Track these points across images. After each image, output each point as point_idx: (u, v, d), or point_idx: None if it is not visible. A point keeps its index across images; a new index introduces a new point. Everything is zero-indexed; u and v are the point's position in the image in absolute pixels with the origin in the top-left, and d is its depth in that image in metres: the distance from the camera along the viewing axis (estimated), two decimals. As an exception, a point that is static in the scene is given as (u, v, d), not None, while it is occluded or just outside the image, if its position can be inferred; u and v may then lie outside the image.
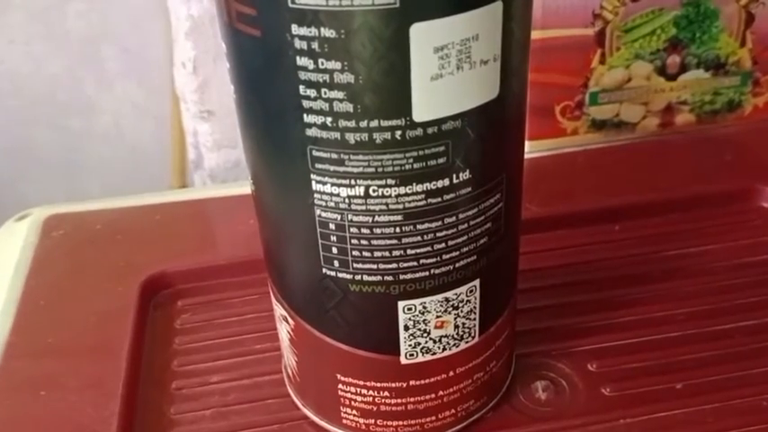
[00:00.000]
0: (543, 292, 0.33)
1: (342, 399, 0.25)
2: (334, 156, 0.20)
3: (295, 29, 0.18)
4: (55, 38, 0.58)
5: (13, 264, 0.34)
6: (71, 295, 0.33)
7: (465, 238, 0.22)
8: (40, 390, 0.28)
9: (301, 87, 0.19)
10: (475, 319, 0.24)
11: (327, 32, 0.18)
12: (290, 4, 0.18)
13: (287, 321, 0.25)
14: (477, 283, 0.23)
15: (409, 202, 0.21)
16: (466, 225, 0.22)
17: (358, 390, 0.25)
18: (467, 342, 0.24)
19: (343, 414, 0.26)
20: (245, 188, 0.23)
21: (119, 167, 0.66)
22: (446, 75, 0.19)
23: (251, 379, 0.29)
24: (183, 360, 0.30)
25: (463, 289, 0.23)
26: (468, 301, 0.23)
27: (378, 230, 0.21)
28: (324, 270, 0.22)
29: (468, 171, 0.21)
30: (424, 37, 0.18)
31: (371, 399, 0.25)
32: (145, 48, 0.58)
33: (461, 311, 0.23)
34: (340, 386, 0.25)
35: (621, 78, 0.40)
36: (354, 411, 0.26)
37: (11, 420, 0.27)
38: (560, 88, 0.39)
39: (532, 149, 0.41)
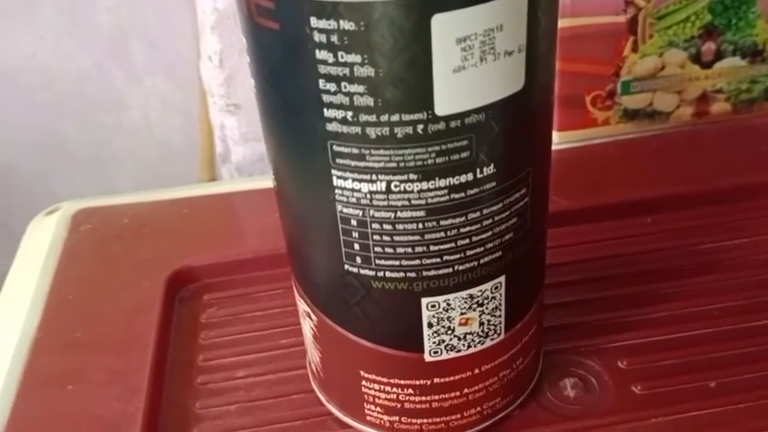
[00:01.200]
0: (572, 287, 0.32)
1: (365, 395, 0.25)
2: (355, 151, 0.20)
3: (314, 21, 0.18)
4: (84, 33, 0.59)
5: (42, 258, 0.35)
6: (98, 290, 0.33)
7: (489, 233, 0.21)
8: (67, 384, 0.28)
9: (321, 81, 0.19)
10: (500, 316, 0.24)
11: (347, 25, 0.17)
12: (309, -4, 0.17)
13: (310, 317, 0.25)
14: (502, 279, 0.23)
15: (432, 197, 0.20)
16: (491, 221, 0.21)
17: (381, 387, 0.25)
18: (492, 339, 0.24)
19: (367, 411, 0.26)
20: (271, 181, 0.23)
21: (147, 161, 0.66)
22: (469, 66, 0.18)
23: (276, 374, 0.29)
24: (208, 355, 0.30)
25: (488, 286, 0.23)
26: (493, 297, 0.23)
27: (400, 226, 0.21)
28: (346, 266, 0.22)
29: (492, 165, 0.20)
30: (446, 28, 0.18)
31: (395, 396, 0.25)
32: (173, 42, 0.58)
33: (486, 308, 0.23)
34: (363, 383, 0.25)
35: (654, 67, 0.39)
36: (378, 408, 0.25)
37: (39, 415, 0.27)
38: (591, 77, 0.38)
39: (562, 140, 0.40)
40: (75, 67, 0.62)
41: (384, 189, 0.20)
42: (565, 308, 0.31)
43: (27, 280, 0.33)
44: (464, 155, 0.20)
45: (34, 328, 0.31)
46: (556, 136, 0.40)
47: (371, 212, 0.21)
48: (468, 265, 0.22)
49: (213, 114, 0.49)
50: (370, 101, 0.19)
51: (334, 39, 0.18)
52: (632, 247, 0.34)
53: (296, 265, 0.24)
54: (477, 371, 0.24)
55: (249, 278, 0.33)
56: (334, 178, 0.20)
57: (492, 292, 0.23)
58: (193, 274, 0.34)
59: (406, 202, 0.20)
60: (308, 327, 0.26)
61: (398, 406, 0.25)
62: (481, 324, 0.23)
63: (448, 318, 0.23)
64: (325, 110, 0.19)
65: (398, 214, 0.20)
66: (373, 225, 0.21)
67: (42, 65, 0.62)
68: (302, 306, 0.25)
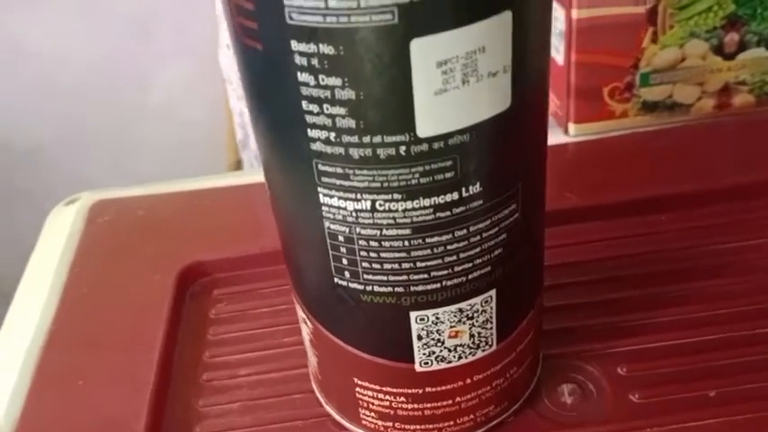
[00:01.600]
0: (578, 288, 0.32)
1: (360, 401, 0.25)
2: (340, 170, 0.20)
3: (294, 45, 0.18)
4: (108, 15, 0.59)
5: (60, 250, 0.35)
6: (112, 284, 0.33)
7: (478, 249, 0.21)
8: (77, 380, 0.29)
9: (304, 102, 0.19)
10: (492, 329, 0.24)
11: (326, 49, 0.17)
12: (289, 21, 0.17)
13: (306, 324, 0.25)
14: (492, 293, 0.23)
15: (417, 216, 0.20)
16: (478, 237, 0.21)
17: (375, 394, 0.25)
18: (484, 351, 0.24)
19: (362, 415, 0.26)
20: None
21: (171, 142, 0.67)
22: (451, 89, 0.18)
23: (279, 373, 0.30)
24: (214, 351, 0.31)
25: (477, 300, 0.23)
26: (483, 311, 0.23)
27: (386, 243, 0.21)
28: (335, 279, 0.22)
29: (478, 184, 0.20)
30: (426, 52, 0.17)
31: (388, 403, 0.25)
32: (197, 25, 0.58)
33: (476, 321, 0.23)
34: (357, 389, 0.25)
35: (675, 58, 0.37)
36: (372, 414, 0.26)
37: (48, 411, 0.28)
38: (609, 69, 0.38)
39: (578, 133, 0.39)
40: (99, 49, 0.63)
41: (369, 208, 0.20)
42: (568, 310, 0.31)
43: (44, 272, 0.34)
44: (448, 175, 0.19)
45: (49, 323, 0.31)
46: (571, 128, 0.39)
47: (358, 230, 0.21)
48: (456, 281, 0.22)
49: (232, 102, 0.50)
50: (351, 123, 0.18)
51: (315, 62, 0.18)
52: (643, 246, 0.33)
53: (291, 273, 0.25)
54: (468, 381, 0.24)
55: (258, 273, 0.34)
56: (321, 196, 0.20)
57: (482, 306, 0.23)
58: (204, 268, 0.34)
59: (392, 221, 0.20)
60: (305, 332, 0.26)
61: (391, 412, 0.25)
62: (472, 336, 0.23)
63: (437, 331, 0.23)
64: (309, 130, 0.19)
65: (384, 232, 0.20)
66: (360, 242, 0.21)
67: (67, 47, 0.63)
68: (299, 312, 0.26)
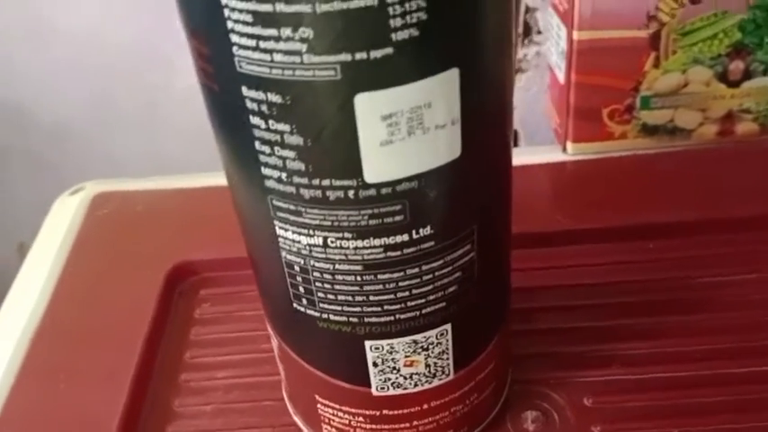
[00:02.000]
0: (554, 314, 0.32)
1: (321, 416, 0.26)
2: (292, 207, 0.20)
3: (245, 91, 0.18)
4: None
5: (60, 240, 0.37)
6: (105, 279, 0.35)
7: (431, 287, 0.22)
8: (60, 375, 0.30)
9: (257, 143, 0.19)
10: (448, 359, 0.24)
11: (274, 97, 0.18)
12: (239, 69, 0.18)
13: (273, 338, 0.26)
14: (447, 327, 0.23)
15: (368, 254, 0.21)
16: (431, 276, 0.22)
17: (335, 411, 0.26)
18: (440, 379, 0.24)
19: (324, 429, 0.27)
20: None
21: (195, 126, 0.68)
22: (396, 141, 0.18)
23: (254, 378, 0.31)
24: (195, 352, 0.32)
25: (432, 333, 0.23)
26: (438, 343, 0.23)
27: (339, 277, 0.21)
28: (294, 305, 0.23)
29: (428, 227, 0.20)
30: (370, 106, 0.18)
31: (348, 421, 0.26)
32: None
33: (432, 352, 0.24)
34: (319, 405, 0.26)
35: (677, 83, 0.37)
36: (334, 429, 0.26)
37: (29, 406, 0.29)
38: (609, 91, 0.37)
39: (576, 152, 0.39)
40: (129, 31, 0.64)
41: (321, 243, 0.21)
42: (541, 335, 0.31)
43: (42, 264, 0.35)
44: (398, 218, 0.20)
45: (40, 316, 0.33)
46: (569, 147, 0.39)
47: (312, 262, 0.21)
48: (409, 314, 0.22)
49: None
50: (301, 165, 0.19)
51: (264, 108, 0.18)
52: (625, 274, 0.33)
53: (259, 291, 0.26)
54: (426, 406, 0.25)
55: (246, 276, 0.34)
56: (277, 228, 0.21)
57: (437, 339, 0.23)
58: (194, 267, 0.35)
59: (343, 257, 0.21)
60: (274, 345, 0.27)
61: (351, 430, 0.26)
62: (428, 366, 0.24)
63: (392, 359, 0.23)
64: (262, 168, 0.20)
65: (337, 266, 0.21)
66: (314, 273, 0.22)
67: (96, 26, 0.64)
68: (268, 326, 0.27)
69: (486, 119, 0.20)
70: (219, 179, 0.40)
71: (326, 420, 0.26)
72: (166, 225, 0.37)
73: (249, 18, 0.17)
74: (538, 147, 0.40)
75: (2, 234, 0.77)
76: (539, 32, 0.44)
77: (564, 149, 0.40)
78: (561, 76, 0.38)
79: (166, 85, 0.67)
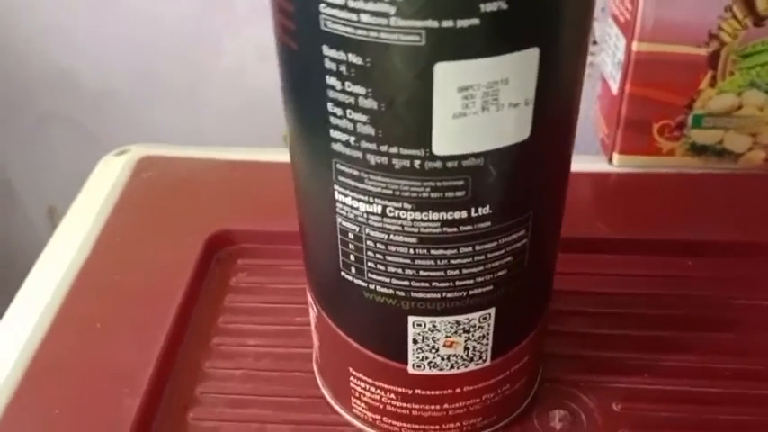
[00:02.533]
0: (591, 319, 0.32)
1: (353, 390, 0.26)
2: (356, 173, 0.20)
3: (326, 50, 0.19)
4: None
5: (103, 198, 0.37)
6: (144, 239, 0.35)
7: (481, 268, 0.22)
8: (96, 324, 0.31)
9: (329, 105, 0.19)
10: (487, 344, 0.24)
11: (354, 59, 0.18)
12: (323, 27, 0.18)
13: (312, 308, 0.26)
14: (491, 311, 0.23)
15: (424, 227, 0.21)
16: (483, 257, 0.22)
17: (367, 386, 0.26)
18: (477, 364, 0.25)
19: (353, 403, 0.27)
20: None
21: (235, 108, 0.69)
22: (470, 114, 0.19)
23: (285, 349, 0.31)
24: (228, 318, 0.32)
25: (476, 315, 0.23)
26: (480, 326, 0.24)
27: (392, 248, 0.22)
28: (342, 273, 0.23)
29: (488, 207, 0.21)
30: (448, 77, 0.18)
31: (379, 397, 0.26)
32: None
33: (472, 335, 0.24)
34: (351, 379, 0.26)
35: (731, 105, 0.37)
36: (363, 404, 0.27)
37: (64, 351, 0.30)
38: (662, 105, 0.37)
39: (622, 164, 0.39)
40: (181, 8, 0.65)
41: (380, 212, 0.21)
42: (577, 338, 0.31)
43: (84, 217, 0.36)
44: (459, 194, 0.20)
45: (78, 267, 0.33)
46: (616, 158, 0.39)
47: (367, 231, 0.21)
48: (456, 294, 0.22)
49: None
50: (371, 130, 0.19)
51: (343, 69, 0.19)
52: (663, 288, 0.33)
53: (305, 258, 0.26)
54: (458, 390, 0.25)
55: (283, 250, 0.35)
56: (336, 193, 0.21)
57: (480, 322, 0.23)
58: (233, 237, 0.36)
59: (400, 228, 0.21)
60: (311, 315, 0.27)
61: (381, 406, 0.26)
62: (466, 349, 0.24)
63: (433, 338, 0.24)
64: (331, 130, 0.20)
65: (391, 237, 0.21)
66: (368, 242, 0.22)
67: (152, 3, 0.65)
68: (308, 296, 0.27)
69: (557, 103, 0.20)
70: (265, 155, 0.41)
71: (357, 395, 0.26)
72: (209, 193, 0.38)
73: (343, -25, 0.17)
74: (583, 155, 0.40)
75: (34, 197, 0.78)
76: (594, 43, 0.44)
77: (610, 160, 0.40)
78: (615, 87, 0.38)
79: (212, 65, 0.68)
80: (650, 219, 0.36)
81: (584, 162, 0.40)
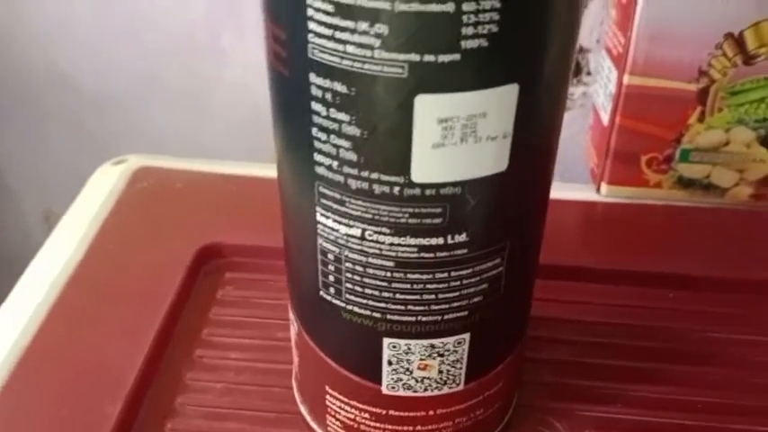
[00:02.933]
0: (570, 347, 0.32)
1: (328, 408, 0.27)
2: (337, 196, 0.21)
3: (313, 77, 0.19)
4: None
5: (99, 205, 0.38)
6: (136, 247, 0.36)
7: (457, 294, 0.22)
8: (83, 326, 0.31)
9: (314, 129, 0.20)
10: (461, 369, 0.25)
11: (339, 87, 0.19)
12: (311, 56, 0.19)
13: (293, 324, 0.27)
14: (466, 336, 0.24)
15: (402, 252, 0.21)
16: (458, 283, 0.22)
17: (342, 405, 0.26)
18: (450, 388, 0.25)
19: (329, 421, 0.27)
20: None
21: (238, 120, 0.70)
22: (449, 145, 0.19)
23: (265, 364, 0.31)
24: (212, 331, 0.33)
25: (450, 339, 0.24)
26: (455, 351, 0.24)
27: (370, 271, 0.22)
28: (321, 292, 0.24)
29: (464, 234, 0.21)
30: (428, 108, 0.18)
31: (353, 416, 0.26)
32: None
33: (447, 359, 0.24)
34: (327, 397, 0.26)
35: (719, 141, 0.38)
36: (338, 423, 0.27)
37: (52, 348, 0.30)
38: (650, 138, 0.38)
39: (609, 194, 0.40)
40: (186, 15, 0.65)
41: (359, 235, 0.21)
42: (550, 365, 0.31)
43: (77, 225, 0.37)
44: (437, 221, 0.21)
45: (73, 268, 0.34)
46: (604, 188, 0.40)
47: (346, 252, 0.22)
48: (431, 318, 0.23)
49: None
50: (353, 156, 0.20)
51: (328, 96, 0.19)
52: (643, 319, 0.34)
53: (287, 275, 0.26)
54: (431, 412, 0.26)
55: (271, 265, 0.35)
56: (318, 215, 0.22)
57: (454, 347, 0.24)
58: (222, 250, 0.36)
59: (378, 251, 0.21)
60: (293, 331, 0.28)
61: (355, 425, 0.26)
62: (440, 372, 0.24)
63: (407, 360, 0.24)
64: (315, 154, 0.21)
65: (370, 260, 0.22)
66: (347, 264, 0.22)
67: (157, 7, 0.66)
68: (290, 312, 0.27)
69: (536, 137, 0.21)
70: (260, 170, 0.41)
71: (332, 413, 0.27)
72: (202, 206, 0.38)
73: (330, 8, 0.18)
74: (573, 184, 0.41)
75: (30, 199, 0.79)
76: (588, 74, 0.45)
77: (598, 190, 0.40)
78: (606, 118, 0.39)
79: (216, 76, 0.69)
80: (635, 250, 0.37)
81: (572, 190, 0.41)
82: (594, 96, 0.41)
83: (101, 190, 0.39)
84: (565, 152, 0.48)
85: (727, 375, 0.31)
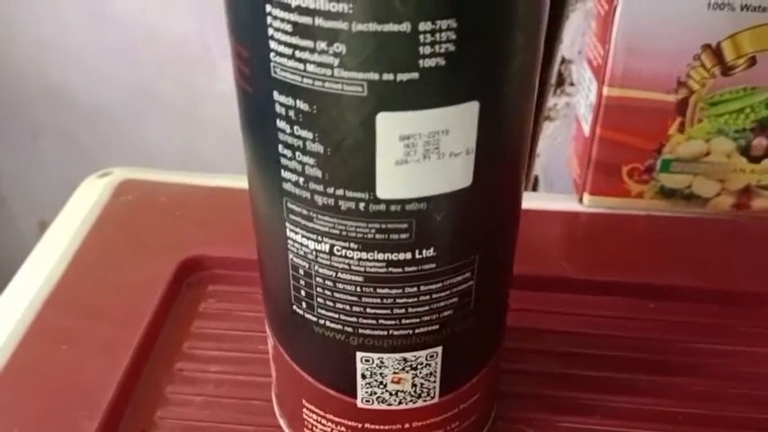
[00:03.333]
0: (549, 358, 0.32)
1: (306, 421, 0.27)
2: (305, 212, 0.21)
3: (276, 95, 0.19)
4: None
5: (82, 218, 0.38)
6: (118, 260, 0.36)
7: (427, 308, 0.23)
8: (62, 344, 0.31)
9: (280, 146, 0.20)
10: (435, 382, 0.25)
11: (302, 105, 0.19)
12: (273, 74, 0.19)
13: (270, 338, 0.27)
14: (438, 350, 0.24)
15: (370, 267, 0.21)
16: (428, 297, 0.22)
17: (319, 418, 0.26)
18: (425, 401, 0.25)
19: (306, 435, 0.27)
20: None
21: (229, 131, 0.70)
22: (412, 161, 0.19)
23: (245, 377, 0.31)
24: (194, 344, 0.33)
25: (423, 353, 0.24)
26: (427, 364, 0.24)
27: (340, 285, 0.22)
28: (294, 307, 0.24)
29: (432, 249, 0.21)
30: (390, 126, 0.19)
31: (330, 429, 0.26)
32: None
33: (420, 372, 0.24)
34: (305, 410, 0.27)
35: (699, 151, 0.38)
36: (315, 436, 0.27)
37: (29, 367, 0.30)
38: (631, 149, 0.38)
39: (592, 205, 0.40)
40: (178, 28, 0.66)
41: (328, 250, 0.22)
42: (529, 376, 0.31)
43: (61, 238, 0.37)
44: (403, 236, 0.21)
45: (54, 284, 0.34)
46: (586, 199, 0.40)
47: (316, 267, 0.22)
48: (402, 332, 0.23)
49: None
50: (318, 173, 0.20)
51: (291, 114, 0.19)
52: (621, 330, 0.34)
53: (262, 290, 0.26)
54: (407, 425, 0.26)
55: (253, 277, 0.35)
56: (288, 231, 0.22)
57: (427, 360, 0.24)
58: (205, 262, 0.36)
59: (347, 266, 0.22)
60: (269, 345, 0.28)
61: (332, 439, 0.27)
62: (414, 386, 0.25)
63: (381, 374, 0.24)
64: (282, 171, 0.21)
65: (339, 275, 0.22)
66: (317, 279, 0.22)
67: (150, 21, 0.66)
68: (266, 326, 0.27)
69: (500, 153, 0.21)
70: (244, 182, 0.41)
71: (309, 426, 0.27)
72: (186, 218, 0.39)
73: (289, 28, 0.18)
74: (555, 194, 0.41)
75: (25, 210, 0.79)
76: (571, 84, 0.45)
77: (580, 200, 0.40)
78: (587, 129, 0.39)
79: (207, 88, 0.69)
80: (616, 260, 0.37)
81: (555, 201, 0.41)
82: (576, 107, 0.42)
83: (85, 202, 0.39)
84: (550, 163, 0.49)
85: (709, 386, 0.31)
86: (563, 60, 0.44)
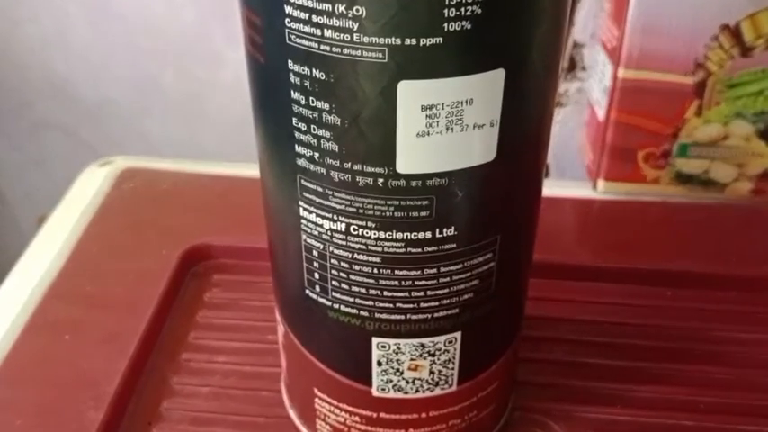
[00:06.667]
0: (566, 346, 0.31)
1: (317, 411, 0.26)
2: (320, 189, 0.20)
3: (291, 64, 0.18)
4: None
5: (83, 208, 0.37)
6: (121, 249, 0.35)
7: (446, 290, 0.22)
8: (65, 333, 0.30)
9: (294, 119, 0.19)
10: (453, 369, 0.24)
11: (318, 74, 0.18)
12: (288, 41, 0.18)
13: (280, 326, 0.26)
14: (457, 335, 0.23)
15: (388, 247, 0.21)
16: (448, 279, 0.21)
17: (331, 408, 0.25)
18: (442, 389, 0.24)
19: (318, 425, 0.26)
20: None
21: (232, 121, 0.69)
22: (434, 133, 0.18)
23: (253, 367, 0.30)
24: (199, 334, 0.32)
25: (441, 338, 0.23)
26: (446, 350, 0.23)
27: (356, 267, 0.21)
28: (307, 291, 0.23)
29: (453, 228, 0.20)
30: (412, 95, 0.18)
31: (343, 420, 0.25)
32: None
33: (438, 359, 0.23)
34: (317, 399, 0.26)
35: (717, 135, 0.37)
36: (328, 426, 0.26)
37: (32, 357, 0.29)
38: (647, 133, 0.37)
39: (606, 191, 0.39)
40: (180, 19, 0.65)
41: (343, 230, 0.21)
42: (547, 365, 0.30)
43: (63, 227, 0.36)
44: (423, 214, 0.20)
45: (55, 274, 0.33)
46: (601, 185, 0.39)
47: (331, 248, 0.21)
48: (421, 316, 0.22)
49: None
50: (335, 147, 0.19)
51: (307, 84, 0.18)
52: (639, 317, 0.33)
53: (273, 275, 0.25)
54: (423, 414, 0.25)
55: (260, 267, 0.35)
56: (301, 209, 0.21)
57: (445, 346, 0.23)
58: (209, 251, 0.35)
59: (363, 247, 0.21)
60: (279, 333, 0.27)
61: (345, 429, 0.26)
62: (432, 373, 0.24)
63: (397, 360, 0.23)
64: (296, 146, 0.20)
65: (355, 256, 0.21)
66: (332, 260, 0.21)
67: (151, 12, 0.65)
68: (276, 313, 0.26)
69: (525, 126, 0.20)
70: (247, 170, 0.40)
71: (322, 416, 0.26)
72: (189, 207, 0.38)
73: (306, -11, 0.17)
74: (569, 181, 0.40)
75: (25, 206, 0.78)
76: (583, 69, 0.44)
77: (594, 187, 0.39)
78: (601, 114, 0.38)
79: (211, 79, 0.68)
80: (632, 247, 0.36)
81: (569, 188, 0.40)
82: (589, 92, 0.41)
83: (87, 191, 0.38)
84: (560, 149, 0.48)
85: (729, 374, 0.30)
86: (575, 45, 0.43)
